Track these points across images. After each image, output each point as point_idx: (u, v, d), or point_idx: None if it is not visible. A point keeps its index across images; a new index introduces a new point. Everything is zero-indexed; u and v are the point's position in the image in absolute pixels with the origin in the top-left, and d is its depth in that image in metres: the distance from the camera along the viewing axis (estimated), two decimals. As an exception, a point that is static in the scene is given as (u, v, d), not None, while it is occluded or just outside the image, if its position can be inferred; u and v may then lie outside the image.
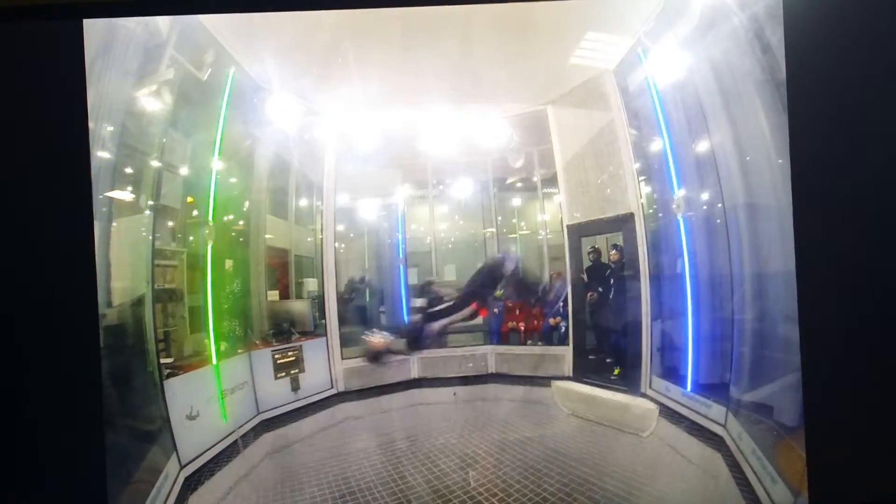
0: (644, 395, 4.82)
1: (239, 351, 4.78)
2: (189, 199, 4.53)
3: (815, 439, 3.21)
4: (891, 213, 3.14)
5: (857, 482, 3.21)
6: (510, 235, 6.12)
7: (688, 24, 3.97)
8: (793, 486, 3.36)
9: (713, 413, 4.22)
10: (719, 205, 4.35)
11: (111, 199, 3.67)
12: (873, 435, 3.17)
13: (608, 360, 5.23)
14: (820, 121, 3.16)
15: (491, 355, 5.54)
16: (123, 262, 3.81)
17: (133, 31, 3.62)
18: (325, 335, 5.36)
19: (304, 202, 5.53)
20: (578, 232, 5.57)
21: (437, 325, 4.99)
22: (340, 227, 5.58)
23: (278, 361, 5.06)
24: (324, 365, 5.30)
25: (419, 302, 5.21)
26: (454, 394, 5.08)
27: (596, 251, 5.45)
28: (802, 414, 3.24)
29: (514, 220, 6.16)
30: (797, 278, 3.19)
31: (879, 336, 3.15)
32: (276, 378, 5.01)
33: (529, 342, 5.61)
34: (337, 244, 5.52)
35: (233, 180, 4.88)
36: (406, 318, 5.78)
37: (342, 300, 5.44)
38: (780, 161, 3.40)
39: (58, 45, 3.08)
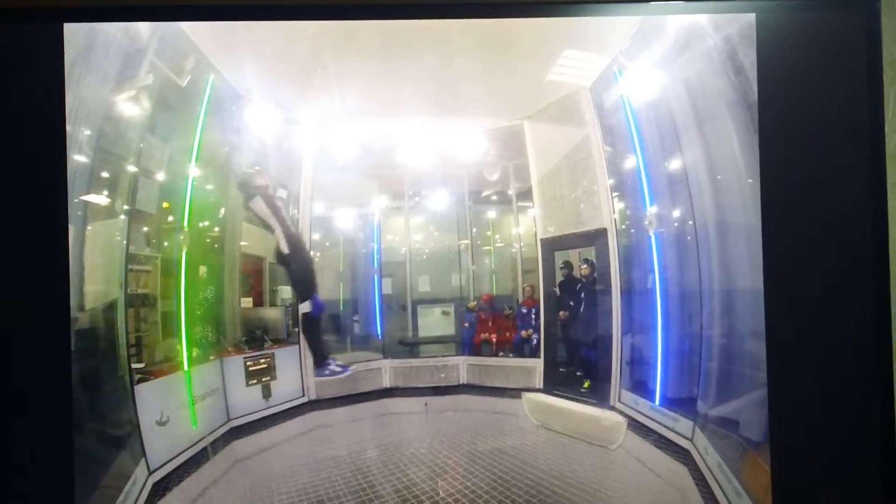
0: (613, 409, 4.85)
1: (211, 357, 4.76)
2: (165, 205, 4.51)
3: (780, 454, 3.26)
4: (857, 234, 3.21)
5: (820, 497, 3.27)
6: (484, 248, 6.14)
7: (663, 44, 4.03)
8: (757, 500, 3.42)
9: (680, 427, 4.27)
10: (690, 222, 4.41)
11: (86, 202, 3.66)
12: (837, 451, 3.24)
13: (578, 373, 5.25)
14: (790, 142, 3.23)
15: (463, 366, 5.55)
16: (97, 266, 3.79)
17: (113, 35, 3.62)
18: (298, 343, 5.34)
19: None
20: (552, 246, 5.60)
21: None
22: (316, 236, 5.56)
23: (250, 369, 5.03)
24: (296, 373, 5.28)
25: None
26: (425, 404, 5.08)
27: (568, 265, 5.48)
28: (767, 429, 3.29)
29: (488, 233, 6.18)
30: (765, 296, 3.25)
31: (845, 354, 3.22)
32: (248, 385, 4.99)
33: (501, 354, 5.62)
34: (312, 253, 5.51)
35: (209, 187, 4.86)
36: (380, 327, 5.79)
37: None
38: (749, 181, 3.46)
39: (37, 49, 3.08)
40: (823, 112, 3.22)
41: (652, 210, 4.71)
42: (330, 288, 5.70)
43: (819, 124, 3.22)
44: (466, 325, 5.73)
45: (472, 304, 5.84)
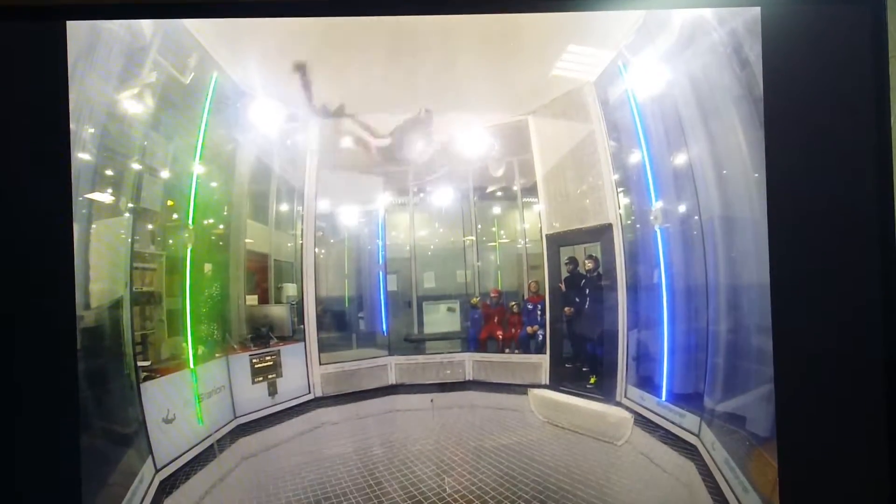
0: (619, 404, 4.85)
1: (217, 355, 4.76)
2: (169, 203, 4.51)
3: (787, 450, 3.25)
4: (864, 227, 3.19)
5: (827, 493, 3.25)
6: (489, 244, 6.14)
7: (668, 38, 4.02)
8: (764, 496, 3.41)
9: (687, 422, 4.26)
10: (696, 217, 4.40)
11: (91, 200, 3.66)
12: (844, 446, 3.22)
13: (584, 369, 5.26)
14: (795, 136, 3.21)
15: (468, 362, 5.55)
16: (102, 264, 3.79)
17: (116, 33, 3.61)
18: (304, 340, 5.35)
19: (284, 207, 5.53)
20: (557, 241, 5.60)
21: None
22: (320, 233, 5.57)
23: (256, 366, 5.04)
24: (301, 370, 5.29)
25: None
26: (431, 400, 5.08)
27: (573, 261, 5.47)
28: (774, 424, 3.28)
29: (493, 229, 6.18)
30: (771, 290, 3.23)
31: (851, 349, 3.20)
32: (254, 383, 5.00)
33: (507, 350, 5.62)
34: (317, 250, 5.51)
35: (213, 184, 4.86)
36: (385, 324, 5.79)
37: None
38: (755, 175, 3.44)
39: (40, 47, 3.07)
40: (829, 105, 3.20)
41: (657, 205, 4.69)
42: (335, 285, 5.71)
43: (825, 117, 3.20)
44: (474, 317, 5.74)
45: (474, 300, 5.84)
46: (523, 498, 4.05)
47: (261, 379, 5.05)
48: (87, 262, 3.58)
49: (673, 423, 4.37)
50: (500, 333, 5.66)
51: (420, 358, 5.53)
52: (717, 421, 4.00)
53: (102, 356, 3.72)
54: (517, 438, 4.75)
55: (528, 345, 5.58)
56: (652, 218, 4.74)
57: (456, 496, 4.10)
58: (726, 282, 4.08)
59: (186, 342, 4.47)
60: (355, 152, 5.37)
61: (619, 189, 5.17)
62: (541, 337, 5.53)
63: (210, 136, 4.56)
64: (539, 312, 5.58)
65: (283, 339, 5.26)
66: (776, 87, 3.26)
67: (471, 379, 5.47)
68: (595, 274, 5.27)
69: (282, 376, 5.16)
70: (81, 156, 3.41)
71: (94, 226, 3.70)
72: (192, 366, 4.46)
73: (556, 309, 5.48)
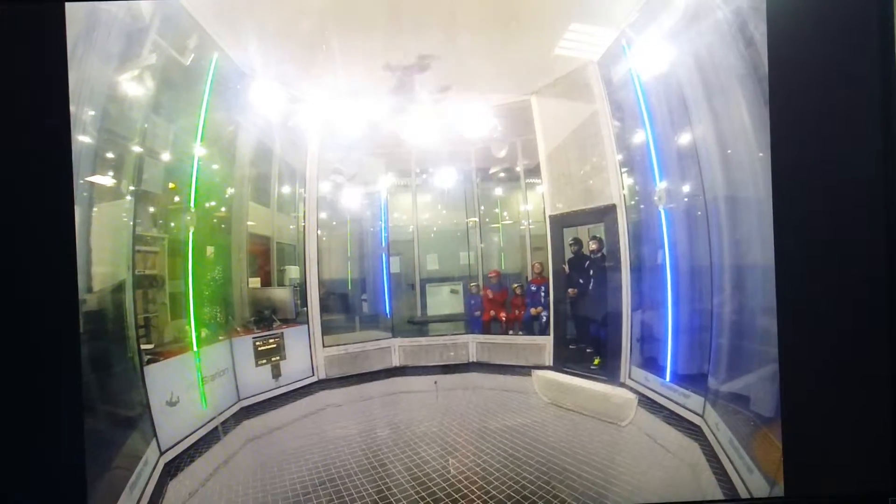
0: (623, 385, 4.85)
1: (220, 338, 4.77)
2: (171, 185, 4.50)
3: (791, 430, 3.25)
4: (869, 207, 3.17)
5: (831, 473, 3.25)
6: (493, 225, 6.12)
7: (672, 16, 3.98)
8: (768, 476, 3.41)
9: (691, 403, 4.26)
10: (700, 197, 4.37)
11: (92, 183, 3.65)
12: (848, 427, 3.22)
13: (588, 350, 5.25)
14: (801, 115, 3.18)
15: (472, 344, 5.55)
16: (104, 247, 3.78)
17: (115, 14, 3.59)
18: (307, 323, 5.35)
19: (286, 189, 5.51)
20: (561, 223, 5.57)
21: None
22: (323, 215, 5.56)
23: (259, 349, 5.05)
24: (305, 352, 5.29)
25: None
26: (435, 382, 5.08)
27: (577, 242, 5.45)
28: (779, 405, 3.28)
29: (496, 210, 6.16)
30: (776, 271, 3.22)
31: (855, 329, 3.19)
32: (257, 365, 5.01)
33: (510, 332, 5.62)
34: (319, 232, 5.50)
35: (215, 166, 4.85)
36: (388, 306, 5.78)
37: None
38: (760, 154, 3.42)
39: (39, 29, 3.05)
40: (834, 84, 3.18)
41: (661, 185, 4.67)
42: (338, 267, 5.70)
43: (830, 96, 3.18)
44: (472, 302, 5.74)
45: (472, 285, 5.83)
46: (527, 479, 4.05)
47: (264, 361, 5.05)
48: (89, 245, 3.57)
49: (677, 403, 4.37)
50: (502, 315, 5.66)
51: (423, 340, 5.52)
52: (722, 401, 4.00)
53: (105, 339, 3.72)
54: (521, 420, 4.76)
55: (531, 326, 5.58)
56: (656, 198, 4.72)
57: (460, 477, 4.11)
58: (731, 262, 4.06)
59: (189, 325, 4.48)
60: (357, 133, 5.34)
61: (623, 169, 5.14)
62: (545, 318, 5.52)
63: (211, 117, 4.54)
64: (543, 294, 5.57)
65: (287, 322, 5.27)
66: (781, 66, 3.23)
67: (474, 361, 5.47)
68: (599, 255, 5.25)
69: (285, 359, 5.17)
70: (82, 138, 3.40)
71: (95, 209, 3.69)
72: (195, 349, 4.46)
73: (560, 290, 5.47)
